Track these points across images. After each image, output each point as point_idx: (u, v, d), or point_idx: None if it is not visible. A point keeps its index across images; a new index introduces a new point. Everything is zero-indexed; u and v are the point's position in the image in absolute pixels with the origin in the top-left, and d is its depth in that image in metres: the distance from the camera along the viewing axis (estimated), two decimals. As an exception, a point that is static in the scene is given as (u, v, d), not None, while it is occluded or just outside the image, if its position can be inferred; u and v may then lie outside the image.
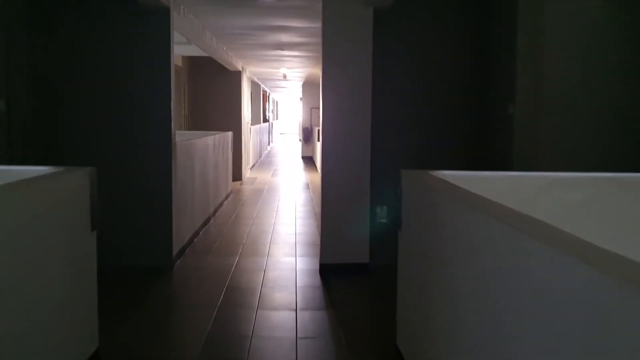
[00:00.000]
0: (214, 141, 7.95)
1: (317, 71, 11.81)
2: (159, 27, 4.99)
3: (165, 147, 5.03)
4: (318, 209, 7.42)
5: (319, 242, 5.22)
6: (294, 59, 10.60)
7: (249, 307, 4.14)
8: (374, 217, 5.07)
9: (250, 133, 13.99)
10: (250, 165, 14.17)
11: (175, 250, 5.24)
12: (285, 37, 7.79)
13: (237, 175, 11.35)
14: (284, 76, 14.96)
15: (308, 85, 17.94)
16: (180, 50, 8.80)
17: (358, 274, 4.99)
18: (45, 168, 2.93)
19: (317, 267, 5.14)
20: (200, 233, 6.58)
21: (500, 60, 4.88)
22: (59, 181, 2.75)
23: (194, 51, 8.64)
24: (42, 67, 4.84)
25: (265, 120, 22.67)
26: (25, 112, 4.55)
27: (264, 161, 17.19)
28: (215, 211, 7.93)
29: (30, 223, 2.33)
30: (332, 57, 4.97)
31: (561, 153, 4.66)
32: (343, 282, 4.82)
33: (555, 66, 4.65)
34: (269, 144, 23.65)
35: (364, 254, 5.06)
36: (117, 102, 5.00)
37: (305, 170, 14.71)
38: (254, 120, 17.04)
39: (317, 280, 4.88)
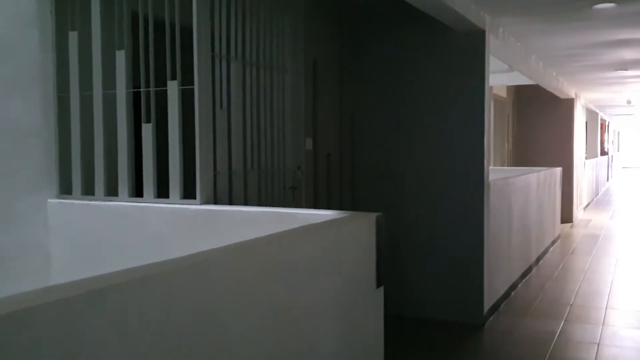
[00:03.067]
0: (538, 178, 7.00)
1: (674, 93, 9.70)
2: (472, 53, 4.46)
3: (476, 187, 4.43)
4: (675, 266, 5.80)
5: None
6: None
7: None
8: None
9: (584, 168, 12.33)
10: (584, 205, 12.45)
11: (487, 306, 4.55)
12: (628, 54, 6.44)
13: (567, 216, 9.98)
14: (628, 102, 12.85)
15: (660, 111, 15.14)
16: (504, 79, 8.12)
17: None
18: (328, 212, 2.64)
19: (676, 350, 3.82)
20: (519, 286, 5.72)
21: None
22: (336, 230, 2.41)
23: (520, 79, 7.86)
24: (347, 104, 4.79)
25: (604, 153, 20.06)
26: (330, 151, 4.51)
27: (601, 200, 15.01)
28: (539, 259, 6.92)
29: (306, 274, 2.02)
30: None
31: None
32: None
33: None
34: (607, 180, 20.82)
35: None
36: (423, 135, 4.62)
37: (655, 212, 12.25)
38: (590, 154, 15.10)
39: (677, 370, 3.60)
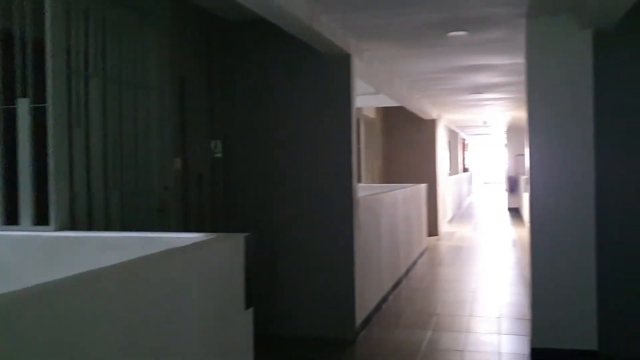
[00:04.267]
0: (405, 194, 7.36)
1: (522, 114, 10.68)
2: (339, 75, 4.59)
3: (346, 204, 4.55)
4: (528, 273, 6.32)
5: (529, 317, 4.22)
6: (494, 102, 9.67)
7: (439, 404, 3.35)
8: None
9: (447, 184, 13.16)
10: (449, 218, 13.27)
11: (358, 320, 4.66)
12: (483, 78, 7.00)
13: (433, 229, 10.58)
14: (485, 123, 13.96)
15: (513, 130, 16.59)
16: (372, 100, 8.48)
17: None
18: (195, 235, 2.57)
19: (528, 350, 4.14)
20: (390, 298, 5.94)
21: None
22: (203, 252, 2.34)
23: (387, 101, 8.25)
24: (217, 124, 4.73)
25: (465, 169, 21.59)
26: (202, 171, 4.41)
27: (464, 213, 16.10)
28: (408, 271, 7.24)
29: (167, 301, 1.93)
30: (539, 94, 4.10)
31: None
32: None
33: None
34: (469, 195, 22.40)
35: (591, 338, 3.95)
36: (294, 155, 4.68)
37: (512, 224, 13.33)
38: (452, 170, 16.16)
39: (529, 369, 3.90)
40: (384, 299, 5.76)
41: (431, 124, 10.98)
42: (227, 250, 2.45)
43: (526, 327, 4.57)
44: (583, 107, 3.98)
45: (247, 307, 2.57)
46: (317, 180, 4.60)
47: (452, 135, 16.66)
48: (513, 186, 16.87)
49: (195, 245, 2.32)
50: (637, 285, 3.97)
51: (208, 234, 2.60)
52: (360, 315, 4.72)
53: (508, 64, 5.99)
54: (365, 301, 4.93)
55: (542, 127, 4.09)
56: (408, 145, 11.04)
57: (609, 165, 4.01)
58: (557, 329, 4.02)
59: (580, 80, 3.99)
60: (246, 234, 2.55)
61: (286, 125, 4.70)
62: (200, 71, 4.47)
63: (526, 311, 5.06)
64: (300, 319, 4.62)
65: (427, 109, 9.87)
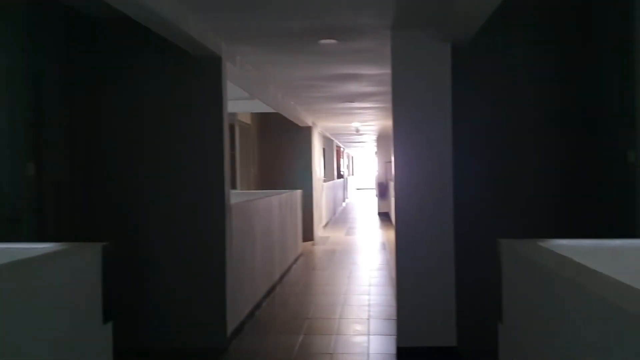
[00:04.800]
0: (280, 200, 7.38)
1: (390, 123, 11.17)
2: (209, 79, 4.49)
3: (217, 211, 4.45)
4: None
5: (396, 317, 4.39)
6: (366, 111, 10.03)
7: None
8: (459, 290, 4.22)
9: (323, 190, 13.42)
10: (324, 223, 13.54)
11: (230, 329, 4.57)
12: (354, 87, 7.22)
13: (309, 235, 10.72)
14: (357, 130, 14.42)
15: (382, 138, 17.33)
16: (247, 106, 8.42)
17: (444, 361, 4.11)
18: (48, 245, 2.37)
19: (395, 350, 4.30)
20: (264, 304, 5.91)
21: (610, 95, 4.01)
22: (54, 263, 2.16)
23: (262, 107, 8.23)
24: (79, 127, 4.45)
25: (340, 176, 22.17)
26: (59, 177, 4.11)
27: (339, 218, 16.51)
28: (283, 276, 7.26)
29: (10, 317, 1.74)
30: (403, 102, 4.30)
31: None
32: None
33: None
34: (344, 201, 23.03)
35: (451, 335, 4.18)
36: (162, 160, 4.50)
37: (381, 227, 13.89)
38: (327, 177, 16.52)
39: (395, 368, 4.04)
40: (258, 306, 5.72)
41: (307, 131, 11.14)
42: (81, 261, 2.28)
43: (394, 327, 4.75)
44: (443, 116, 4.22)
45: (106, 320, 2.42)
46: (186, 187, 4.46)
47: (327, 143, 17.06)
48: (383, 192, 17.61)
49: (45, 257, 2.14)
50: (490, 285, 4.26)
51: (60, 244, 2.41)
52: (232, 324, 4.63)
53: (377, 74, 6.22)
54: (237, 309, 4.85)
55: (405, 135, 4.28)
56: (284, 152, 11.12)
57: (467, 172, 4.29)
58: (420, 328, 4.21)
59: (440, 90, 4.22)
60: (104, 243, 2.39)
61: (153, 129, 4.51)
62: (59, 70, 4.17)
63: (393, 311, 5.26)
64: (169, 330, 4.44)
65: (303, 116, 10.00)
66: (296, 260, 8.62)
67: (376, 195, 19.15)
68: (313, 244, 10.61)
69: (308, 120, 10.75)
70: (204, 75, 4.48)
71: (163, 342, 4.43)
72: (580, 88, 4.24)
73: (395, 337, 4.42)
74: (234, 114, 8.83)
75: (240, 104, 7.53)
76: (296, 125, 10.75)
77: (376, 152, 19.12)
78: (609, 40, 4.01)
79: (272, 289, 6.53)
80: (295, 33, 4.50)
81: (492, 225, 4.20)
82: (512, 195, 4.29)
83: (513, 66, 4.32)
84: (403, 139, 4.29)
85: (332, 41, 4.73)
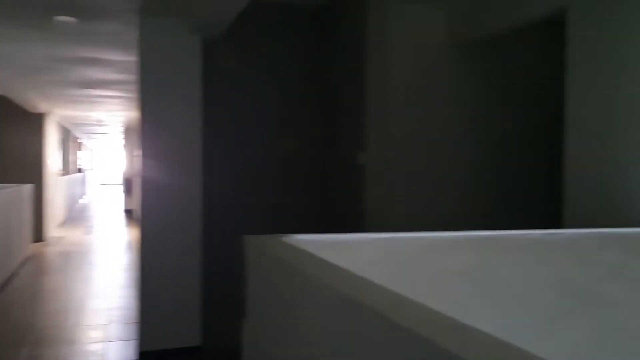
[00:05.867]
0: (4, 196, 6.44)
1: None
2: None
3: None
4: (138, 275, 6.25)
5: (138, 320, 4.13)
6: (110, 100, 9.34)
7: None
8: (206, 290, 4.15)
9: (58, 185, 12.20)
10: (59, 222, 12.31)
11: None
12: (96, 73, 6.64)
13: (40, 235, 9.62)
14: (100, 121, 13.45)
15: (130, 131, 16.44)
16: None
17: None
18: None
19: (136, 355, 4.04)
20: (-22, 317, 5.07)
21: (343, 105, 4.35)
22: None
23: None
24: None
25: (80, 170, 20.51)
26: None
27: (77, 216, 15.18)
28: (5, 285, 6.35)
29: None
30: (150, 93, 4.06)
31: (410, 206, 4.15)
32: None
33: (399, 111, 4.15)
34: (83, 197, 21.34)
35: (195, 335, 4.09)
36: None
37: (128, 225, 13.15)
38: (65, 171, 15.09)
39: (135, 375, 3.79)
40: (-29, 319, 4.88)
41: (39, 119, 9.96)
42: None
43: (136, 331, 4.47)
44: (192, 110, 4.10)
45: None
46: None
47: (66, 134, 15.55)
48: (129, 187, 16.75)
49: None
50: (233, 282, 4.28)
51: None
52: None
53: (123, 60, 5.81)
54: (-59, 325, 4.06)
55: (152, 128, 4.06)
56: (10, 142, 9.77)
57: (217, 168, 4.24)
58: (164, 330, 4.03)
59: (190, 83, 4.09)
60: None
61: None
62: None
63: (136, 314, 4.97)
64: None
65: (35, 102, 8.91)
66: (23, 264, 7.64)
67: (123, 192, 18.13)
68: (45, 245, 9.53)
69: (42, 107, 9.63)
70: None
71: None
72: (319, 89, 4.52)
73: (137, 341, 4.16)
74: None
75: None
76: (26, 111, 9.54)
77: (124, 145, 18.09)
78: (344, 40, 4.34)
79: (-9, 298, 5.66)
80: (27, 4, 3.93)
81: (240, 222, 4.23)
82: (261, 193, 4.38)
83: (264, 64, 4.41)
84: (150, 131, 4.06)
85: (71, 19, 4.25)
